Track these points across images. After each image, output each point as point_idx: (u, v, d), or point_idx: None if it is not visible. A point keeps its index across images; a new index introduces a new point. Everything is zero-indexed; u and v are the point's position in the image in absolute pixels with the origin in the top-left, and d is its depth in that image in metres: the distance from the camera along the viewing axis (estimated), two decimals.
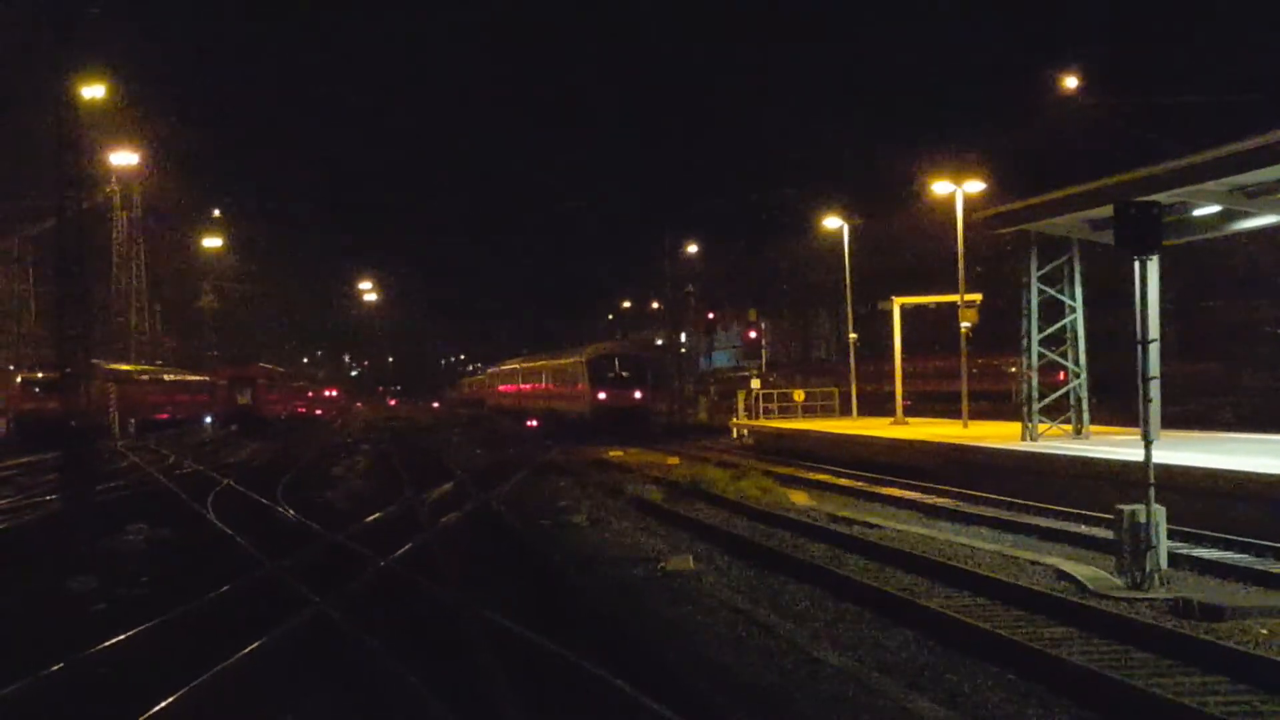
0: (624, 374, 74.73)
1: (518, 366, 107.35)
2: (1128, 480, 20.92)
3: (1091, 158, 40.78)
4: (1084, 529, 23.73)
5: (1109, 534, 19.32)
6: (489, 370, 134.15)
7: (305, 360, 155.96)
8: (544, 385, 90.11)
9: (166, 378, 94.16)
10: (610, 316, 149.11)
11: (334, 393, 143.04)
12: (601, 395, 73.33)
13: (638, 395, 75.25)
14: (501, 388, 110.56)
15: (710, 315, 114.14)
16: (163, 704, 12.72)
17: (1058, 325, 37.42)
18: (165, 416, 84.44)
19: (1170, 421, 29.22)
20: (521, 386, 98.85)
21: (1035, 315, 37.24)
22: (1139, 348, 20.20)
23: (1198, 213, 29.93)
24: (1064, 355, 37.69)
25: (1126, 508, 18.43)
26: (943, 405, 54.55)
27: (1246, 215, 29.87)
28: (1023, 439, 36.78)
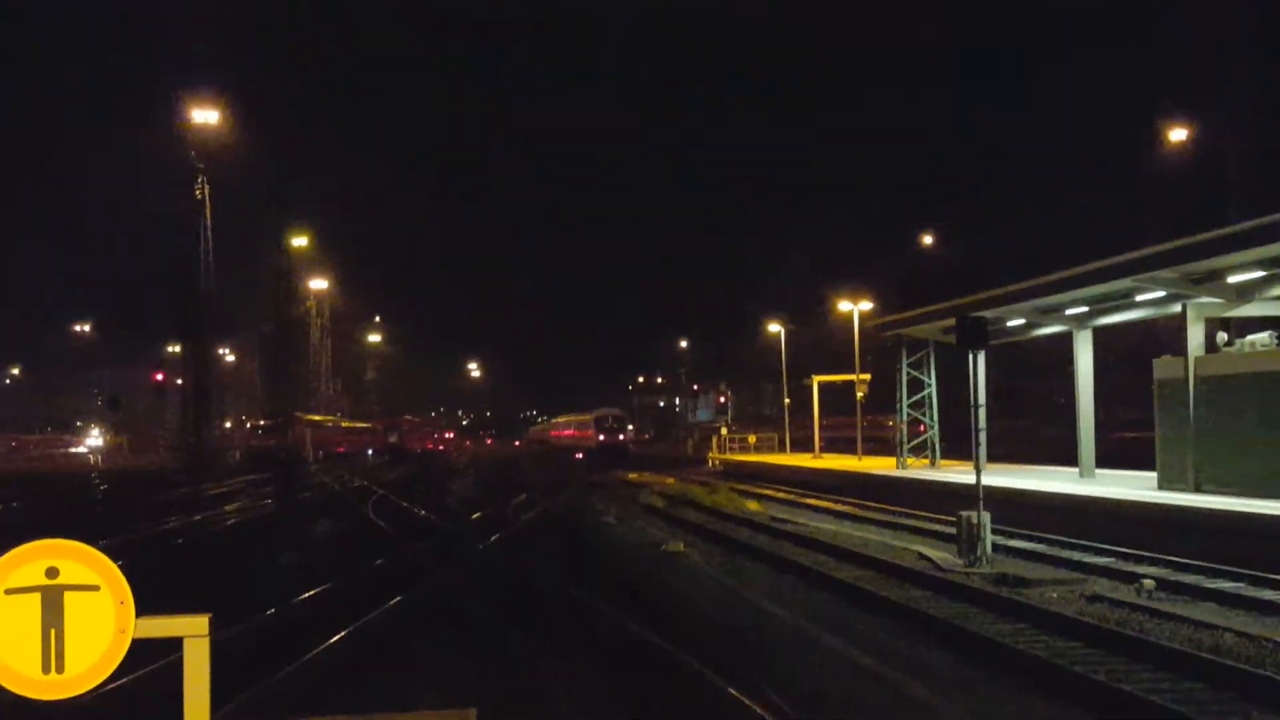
0: (614, 426, 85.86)
1: (560, 420, 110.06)
2: (964, 495, 20.94)
3: (943, 286, 41.00)
4: (937, 527, 23.72)
5: (953, 530, 19.34)
6: (548, 420, 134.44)
7: (433, 414, 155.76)
8: (573, 432, 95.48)
9: (343, 424, 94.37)
10: (630, 387, 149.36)
11: (451, 435, 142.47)
12: (601, 437, 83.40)
13: (621, 438, 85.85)
14: (553, 433, 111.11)
15: (695, 387, 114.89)
16: (341, 635, 12.85)
17: (920, 395, 37.64)
18: (342, 450, 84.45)
19: (994, 459, 29.24)
20: (563, 432, 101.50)
21: (905, 389, 37.51)
22: (972, 409, 20.32)
23: (1010, 323, 30.10)
24: (924, 414, 37.86)
25: (964, 513, 18.45)
26: (846, 446, 54.44)
27: (1042, 325, 30.07)
28: (897, 468, 36.88)
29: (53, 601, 3.21)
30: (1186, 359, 22.85)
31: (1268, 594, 14.35)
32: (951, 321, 25.05)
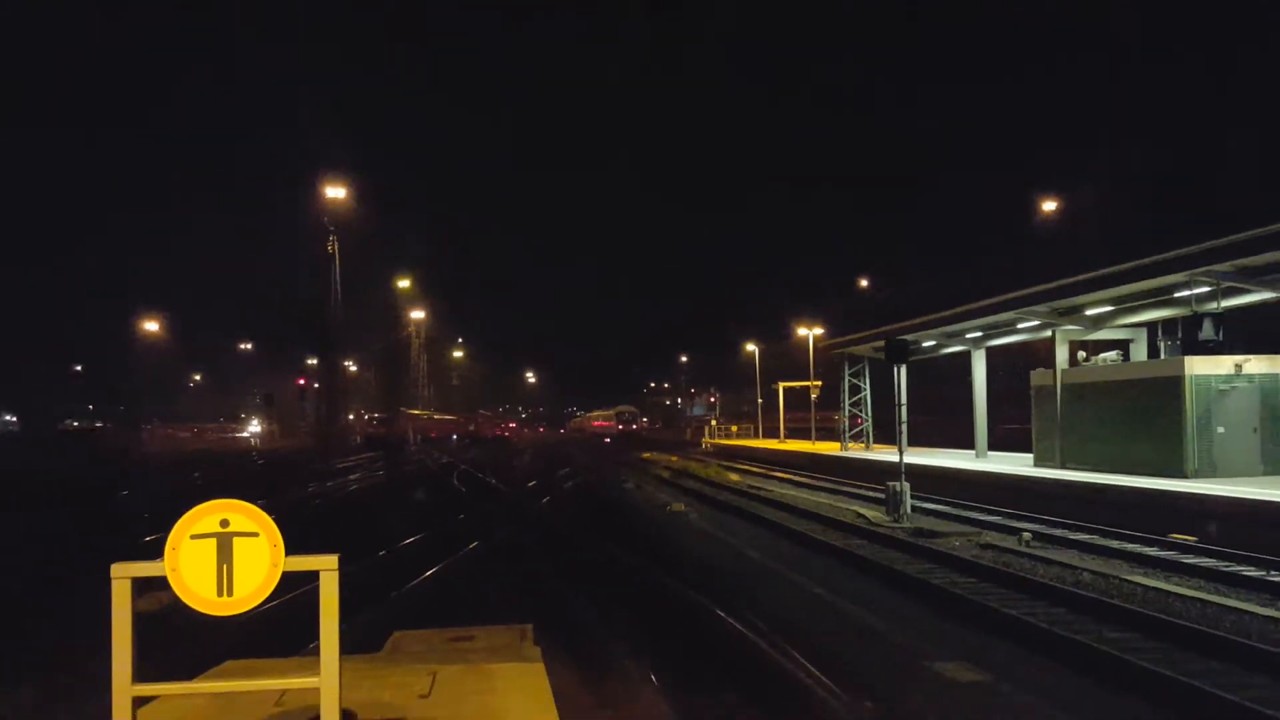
0: (629, 418, 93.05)
1: (593, 414, 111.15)
2: (890, 470, 20.87)
3: (875, 317, 40.86)
4: (870, 493, 23.63)
5: (883, 495, 19.30)
6: (584, 414, 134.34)
7: (500, 409, 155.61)
8: (601, 422, 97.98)
9: (435, 416, 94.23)
10: (644, 390, 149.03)
11: (513, 425, 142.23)
12: (620, 426, 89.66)
13: (634, 426, 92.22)
14: (586, 424, 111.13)
15: (692, 390, 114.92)
16: (431, 570, 12.89)
17: (858, 396, 37.58)
18: (434, 435, 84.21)
19: (912, 444, 29.10)
20: (594, 423, 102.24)
21: (847, 392, 37.48)
22: (897, 407, 20.30)
23: (925, 344, 30.02)
24: (861, 411, 37.77)
25: (890, 483, 18.43)
26: (804, 434, 54.27)
27: (949, 346, 29.99)
28: (841, 450, 36.79)
29: (224, 544, 3.24)
30: (1055, 371, 22.79)
31: (1114, 544, 14.28)
32: (881, 343, 24.98)
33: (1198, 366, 18.50)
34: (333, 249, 50.13)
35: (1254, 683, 7.39)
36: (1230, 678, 7.50)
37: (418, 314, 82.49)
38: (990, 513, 18.75)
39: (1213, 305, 17.80)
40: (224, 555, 3.24)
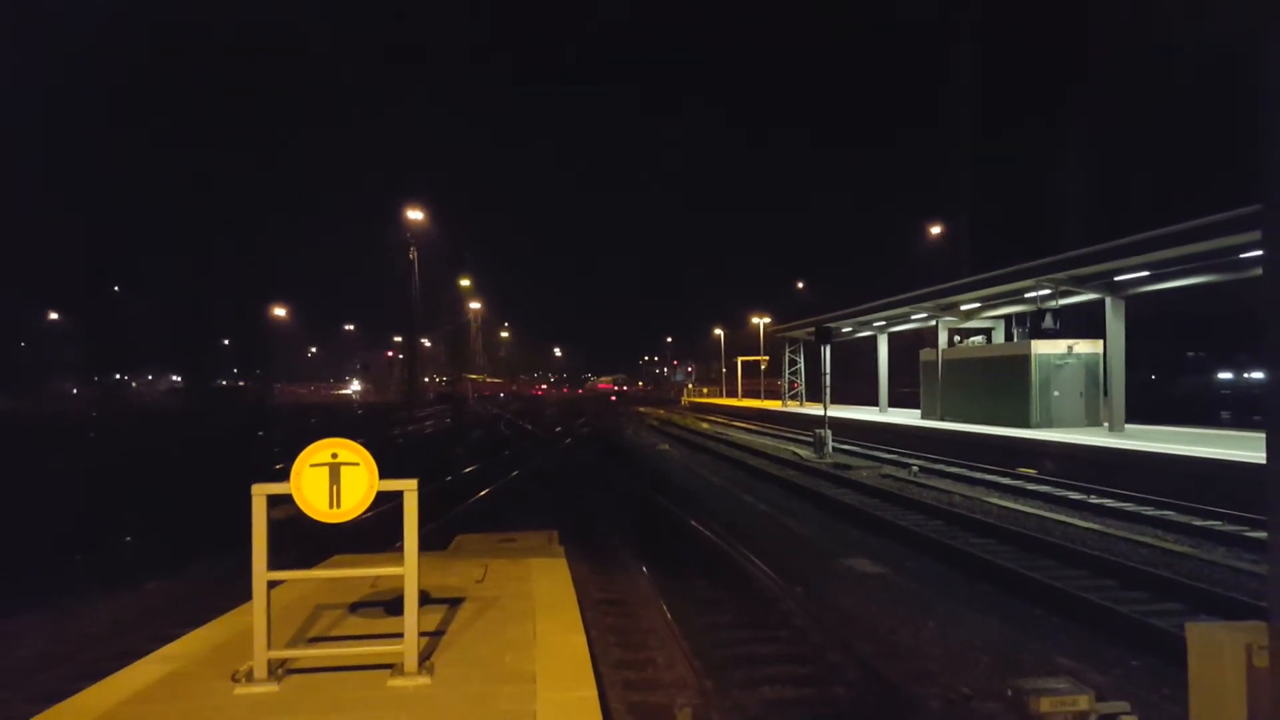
0: (624, 383, 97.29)
1: (600, 379, 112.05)
2: (818, 420, 20.88)
3: (810, 309, 40.64)
4: (805, 437, 23.64)
5: (812, 439, 19.30)
6: (595, 379, 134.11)
7: (535, 374, 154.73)
8: (605, 385, 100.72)
9: (487, 380, 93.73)
10: (640, 362, 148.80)
11: (545, 387, 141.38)
12: (617, 388, 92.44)
13: (626, 389, 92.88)
14: (596, 387, 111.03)
15: (675, 363, 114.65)
16: (484, 491, 12.90)
17: (795, 368, 37.49)
18: (487, 394, 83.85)
19: (834, 402, 29.09)
20: (601, 385, 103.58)
21: (787, 364, 37.34)
22: (823, 375, 20.24)
23: (844, 330, 29.86)
24: (796, 377, 37.74)
25: (817, 430, 18.42)
26: (755, 395, 54.20)
27: (861, 331, 29.86)
28: (782, 406, 36.66)
29: (334, 471, 3.26)
30: (938, 350, 22.75)
31: (978, 475, 14.33)
32: (812, 329, 24.90)
33: (1041, 347, 18.52)
34: (413, 257, 49.79)
35: (1073, 574, 7.48)
36: (1058, 570, 7.59)
37: (475, 304, 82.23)
38: (889, 452, 18.76)
39: (1052, 303, 17.79)
40: (334, 478, 3.27)
